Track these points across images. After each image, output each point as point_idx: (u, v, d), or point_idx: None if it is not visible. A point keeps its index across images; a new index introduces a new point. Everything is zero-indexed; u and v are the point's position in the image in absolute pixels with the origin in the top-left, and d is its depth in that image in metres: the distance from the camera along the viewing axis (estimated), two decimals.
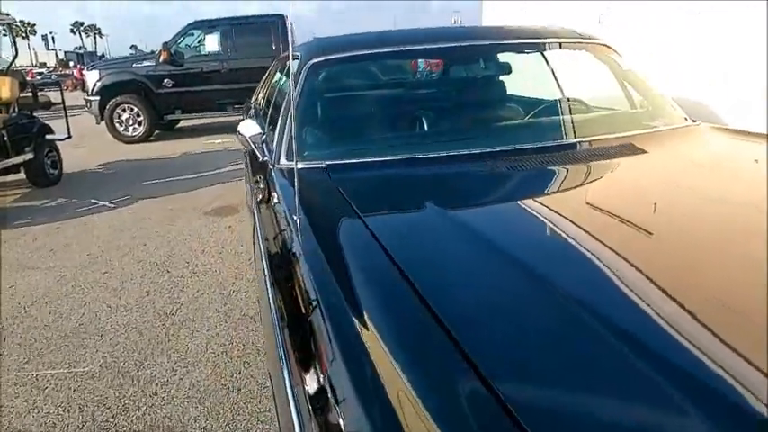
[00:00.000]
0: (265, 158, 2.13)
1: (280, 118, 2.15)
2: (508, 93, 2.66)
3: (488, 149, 1.86)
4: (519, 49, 2.44)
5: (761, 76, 3.26)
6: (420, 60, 3.14)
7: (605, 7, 4.86)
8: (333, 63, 2.25)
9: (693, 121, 2.31)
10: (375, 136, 2.10)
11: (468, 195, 1.66)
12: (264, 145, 2.18)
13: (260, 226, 1.74)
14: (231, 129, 2.98)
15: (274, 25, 8.95)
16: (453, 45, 2.31)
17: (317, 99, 2.17)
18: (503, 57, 2.53)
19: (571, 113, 2.12)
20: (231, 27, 9.01)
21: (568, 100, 2.22)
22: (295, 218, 1.38)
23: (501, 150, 1.87)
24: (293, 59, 2.55)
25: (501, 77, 2.60)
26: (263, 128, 2.29)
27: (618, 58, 2.52)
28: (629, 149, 1.88)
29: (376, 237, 1.23)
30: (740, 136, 2.21)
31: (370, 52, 2.27)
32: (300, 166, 1.88)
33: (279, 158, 1.97)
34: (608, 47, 2.55)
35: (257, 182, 2.19)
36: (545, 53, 2.37)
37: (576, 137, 1.97)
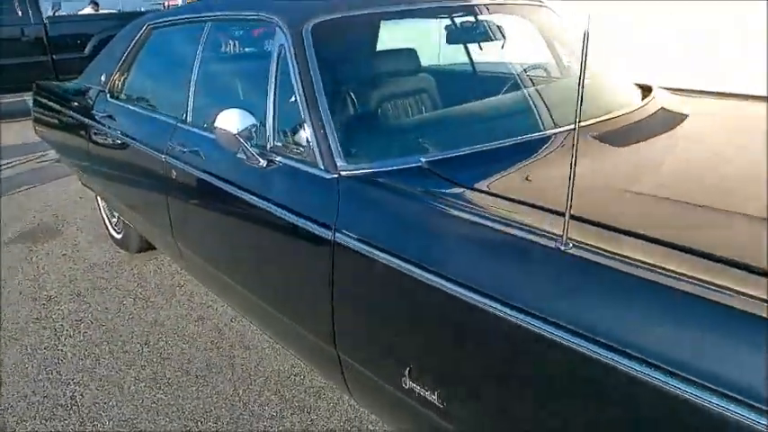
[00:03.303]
0: (270, 162, 1.55)
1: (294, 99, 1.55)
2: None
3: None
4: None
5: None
6: None
7: None
8: (340, 25, 1.69)
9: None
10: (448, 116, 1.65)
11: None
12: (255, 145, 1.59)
13: None
14: None
15: None
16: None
17: (341, 72, 1.62)
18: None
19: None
20: None
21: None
22: None
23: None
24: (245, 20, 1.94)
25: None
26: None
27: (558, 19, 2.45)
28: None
29: None
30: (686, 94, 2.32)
31: (383, 11, 1.77)
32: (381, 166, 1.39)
33: (331, 159, 1.42)
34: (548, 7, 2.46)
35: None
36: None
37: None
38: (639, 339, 0.86)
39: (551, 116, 1.65)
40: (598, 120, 1.66)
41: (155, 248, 3.18)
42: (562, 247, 0.99)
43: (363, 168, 1.40)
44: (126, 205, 2.63)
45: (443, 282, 1.11)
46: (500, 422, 1.12)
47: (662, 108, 1.86)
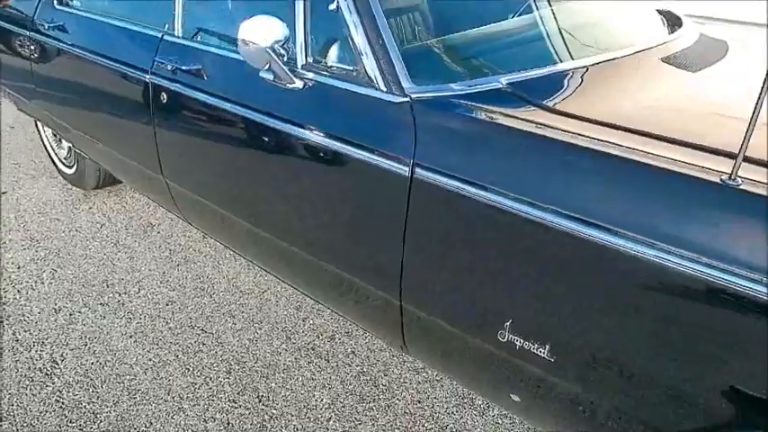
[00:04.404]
0: (306, 81, 1.32)
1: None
2: None
3: None
4: None
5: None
6: None
7: None
8: None
9: None
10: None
11: None
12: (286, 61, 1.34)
13: None
14: None
15: None
16: None
17: None
18: None
19: None
20: None
21: None
22: None
23: None
24: None
25: None
26: None
27: None
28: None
29: None
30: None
31: None
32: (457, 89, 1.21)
33: (396, 79, 1.21)
34: None
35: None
36: None
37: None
38: None
39: (621, 37, 1.48)
40: (651, 46, 1.50)
41: (115, 183, 2.82)
42: (731, 183, 0.85)
43: (436, 91, 1.18)
44: (87, 135, 2.24)
45: (563, 220, 0.95)
46: (626, 381, 1.00)
47: (702, 34, 1.73)
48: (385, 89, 1.19)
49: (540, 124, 1.07)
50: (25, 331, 1.99)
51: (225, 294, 2.20)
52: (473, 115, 1.12)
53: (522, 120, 1.08)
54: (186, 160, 1.77)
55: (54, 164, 2.93)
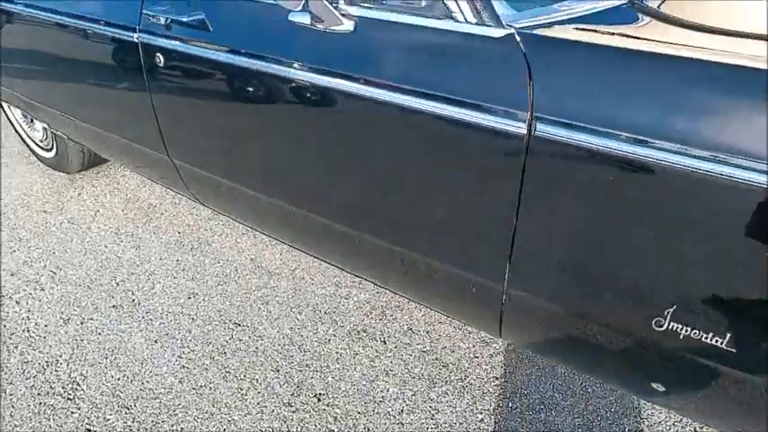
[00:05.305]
0: (355, 21, 1.05)
1: None
2: None
3: None
4: None
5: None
6: None
7: None
8: None
9: None
10: None
11: None
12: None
13: None
14: None
15: None
16: None
17: None
18: None
19: None
20: None
21: None
22: None
23: None
24: None
25: None
26: None
27: None
28: None
29: None
30: None
31: None
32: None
33: (488, 7, 0.93)
34: None
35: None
36: None
37: None
38: None
39: None
40: None
41: (102, 162, 2.50)
42: None
43: (544, 15, 0.89)
44: (66, 115, 1.91)
45: (741, 172, 0.71)
46: None
47: None
48: (474, 21, 0.90)
49: (693, 46, 0.80)
50: (34, 350, 1.73)
51: (251, 278, 1.95)
52: (603, 43, 0.84)
53: (669, 43, 0.81)
54: (197, 135, 1.46)
55: (29, 148, 2.58)
